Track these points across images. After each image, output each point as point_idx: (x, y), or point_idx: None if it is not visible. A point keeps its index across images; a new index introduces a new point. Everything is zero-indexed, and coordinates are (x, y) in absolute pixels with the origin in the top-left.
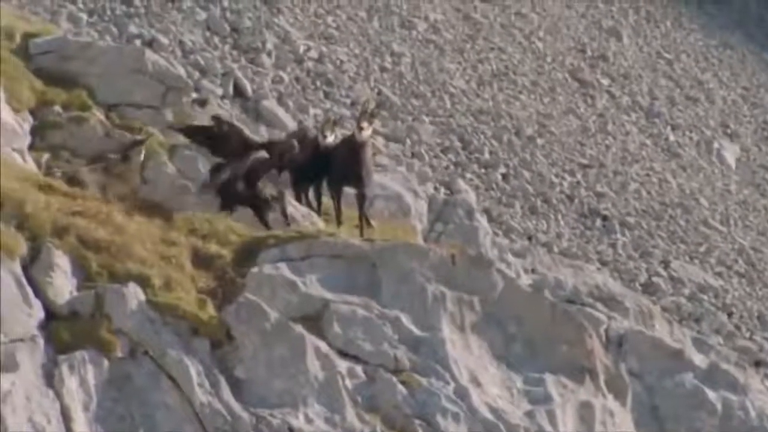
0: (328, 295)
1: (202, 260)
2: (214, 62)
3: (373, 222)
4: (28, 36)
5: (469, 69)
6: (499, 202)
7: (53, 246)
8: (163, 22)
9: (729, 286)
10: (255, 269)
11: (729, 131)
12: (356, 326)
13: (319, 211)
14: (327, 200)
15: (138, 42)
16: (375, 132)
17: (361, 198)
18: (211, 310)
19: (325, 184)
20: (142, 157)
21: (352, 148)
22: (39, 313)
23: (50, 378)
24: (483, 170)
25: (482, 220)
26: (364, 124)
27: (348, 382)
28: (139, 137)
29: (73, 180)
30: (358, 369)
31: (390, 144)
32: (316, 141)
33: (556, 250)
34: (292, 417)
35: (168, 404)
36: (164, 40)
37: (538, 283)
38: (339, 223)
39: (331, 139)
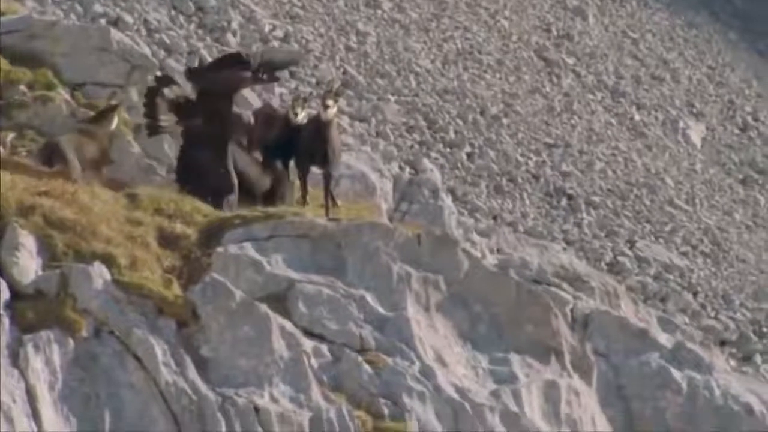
0: (294, 275)
1: (167, 240)
2: (179, 41)
3: (338, 201)
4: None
5: (434, 48)
6: (465, 181)
7: (18, 225)
8: (128, 1)
9: (694, 266)
10: (220, 249)
11: (694, 111)
12: (321, 306)
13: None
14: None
15: (103, 21)
16: (340, 111)
17: (327, 177)
18: (176, 289)
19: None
20: (114, 123)
21: (318, 127)
22: (4, 293)
23: (15, 357)
24: (448, 150)
25: (447, 200)
26: (329, 103)
27: (313, 362)
28: (113, 102)
29: (47, 149)
30: (324, 348)
31: (355, 123)
32: (287, 119)
33: (521, 229)
34: (258, 396)
35: (133, 384)
36: (129, 19)
37: (503, 263)
38: (304, 202)
39: (302, 116)
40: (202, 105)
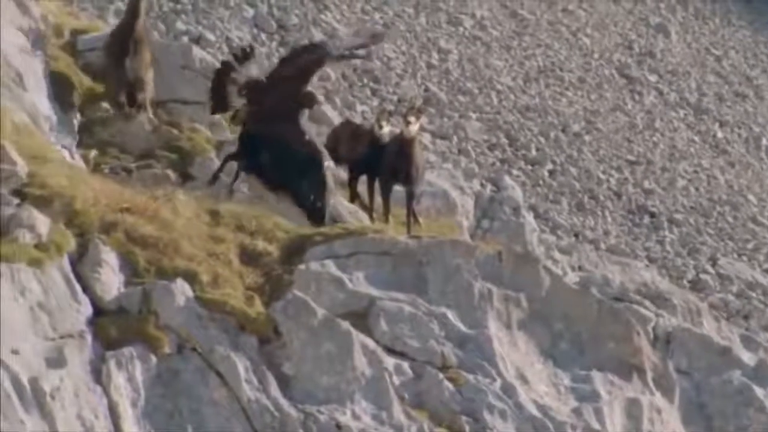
0: (375, 292)
1: (249, 257)
2: (261, 59)
3: (420, 219)
4: (76, 32)
5: (515, 66)
6: (546, 198)
7: (101, 242)
8: (210, 19)
9: None
10: (302, 266)
11: None
12: (403, 323)
13: (371, 207)
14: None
15: (185, 38)
16: (422, 128)
17: (410, 195)
18: (258, 306)
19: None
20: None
21: (400, 145)
22: (87, 309)
23: (98, 374)
24: (530, 167)
25: (529, 217)
26: (411, 119)
27: (395, 379)
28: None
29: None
30: (405, 366)
31: (436, 141)
32: (372, 134)
33: (603, 247)
34: (340, 413)
35: (215, 401)
36: (211, 37)
37: (585, 281)
38: (387, 219)
39: (387, 130)
40: (275, 87)
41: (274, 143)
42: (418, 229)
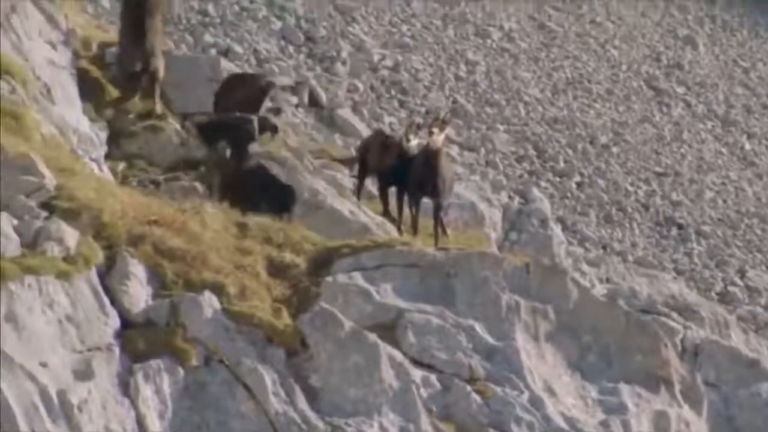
0: (403, 304)
1: (277, 269)
2: (288, 71)
3: (448, 231)
4: (104, 45)
5: (543, 77)
6: (574, 210)
7: (129, 255)
8: (239, 31)
9: None
10: (329, 278)
11: None
12: (431, 335)
13: (399, 219)
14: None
15: (213, 51)
16: (449, 140)
17: (437, 207)
18: (286, 318)
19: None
20: None
21: (427, 156)
22: (115, 322)
23: (126, 386)
24: (557, 179)
25: (557, 229)
26: (435, 130)
27: (423, 391)
28: None
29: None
30: (433, 378)
31: (464, 152)
32: (401, 146)
33: (630, 259)
34: (367, 426)
35: (243, 413)
36: (239, 49)
37: (612, 293)
38: (415, 231)
39: (415, 142)
40: None
41: None
42: (446, 240)
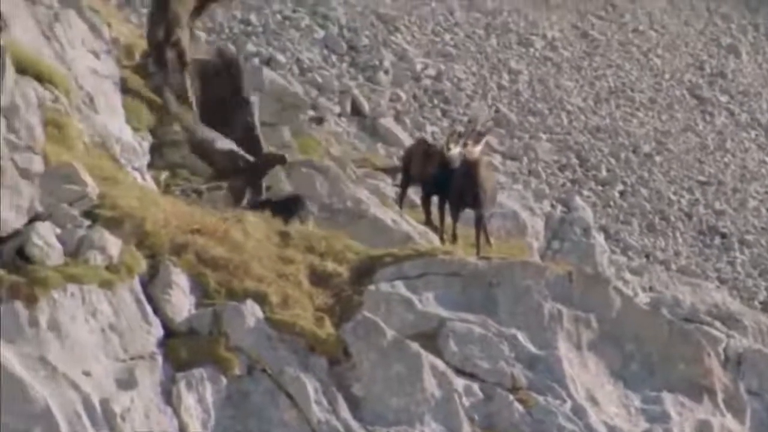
0: (445, 313)
1: (319, 278)
2: (331, 80)
3: (491, 239)
4: (147, 54)
5: (586, 86)
6: (617, 219)
7: (172, 264)
8: (281, 41)
9: None
10: (372, 287)
11: None
12: (473, 344)
13: (441, 228)
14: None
15: (256, 60)
16: (492, 149)
17: (478, 218)
18: (328, 327)
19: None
20: None
21: (467, 167)
22: (158, 331)
23: (168, 395)
24: (600, 187)
25: (599, 238)
26: (470, 142)
27: (465, 400)
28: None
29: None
30: (475, 387)
31: (507, 162)
32: (443, 155)
33: (673, 267)
34: None
35: (285, 422)
36: (282, 58)
37: (655, 302)
38: (454, 240)
39: (456, 151)
40: None
41: None
42: (489, 249)
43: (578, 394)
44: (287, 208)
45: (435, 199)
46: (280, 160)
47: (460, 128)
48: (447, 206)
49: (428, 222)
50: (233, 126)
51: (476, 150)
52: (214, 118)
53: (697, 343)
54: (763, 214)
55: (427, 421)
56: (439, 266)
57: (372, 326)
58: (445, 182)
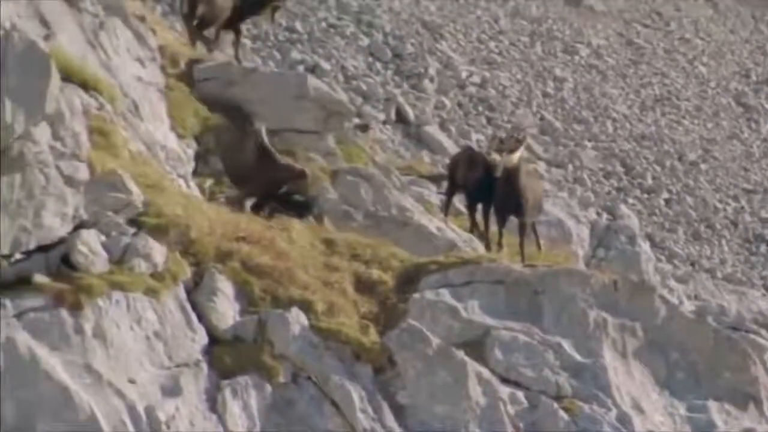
0: (490, 321)
1: (364, 285)
2: (376, 88)
3: (541, 243)
4: (192, 62)
5: (631, 94)
6: (662, 227)
7: (217, 271)
8: (326, 48)
9: None
10: (417, 295)
11: None
12: (518, 352)
13: (486, 235)
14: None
15: (301, 68)
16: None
17: (523, 225)
18: (373, 335)
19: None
20: None
21: (507, 175)
22: (202, 338)
23: (213, 402)
24: (646, 195)
25: (645, 246)
26: (506, 150)
27: (509, 408)
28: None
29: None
30: (520, 395)
31: (552, 169)
32: (486, 161)
33: (719, 276)
34: None
35: (330, 429)
36: (327, 66)
37: (701, 310)
38: (500, 247)
39: (499, 158)
40: None
41: None
42: (539, 255)
43: (623, 403)
44: (297, 211)
45: (481, 206)
46: (300, 175)
47: (502, 134)
48: (492, 213)
49: (473, 229)
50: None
51: (514, 157)
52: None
53: (742, 351)
54: None
55: (472, 429)
56: (484, 274)
57: (417, 334)
58: (488, 189)
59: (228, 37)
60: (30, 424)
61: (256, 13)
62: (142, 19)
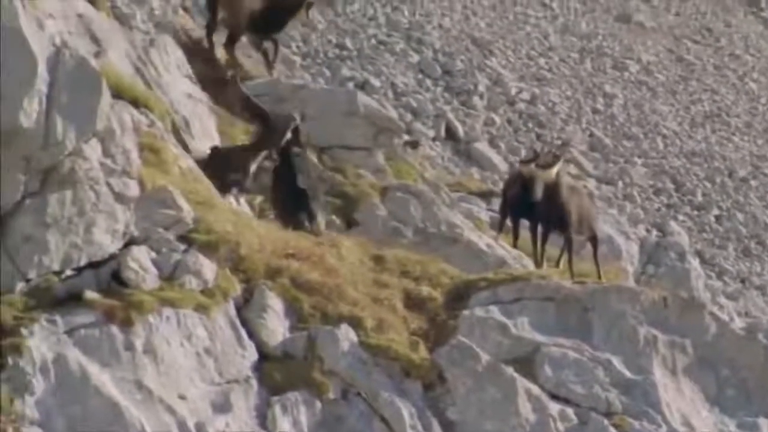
0: (540, 338)
1: (414, 302)
2: (426, 104)
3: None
4: (242, 79)
5: (681, 110)
6: (712, 244)
7: (266, 288)
8: (376, 65)
9: None
10: (467, 312)
11: None
12: (568, 369)
13: (534, 252)
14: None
15: (350, 84)
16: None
17: (568, 241)
18: (423, 351)
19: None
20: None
21: (548, 189)
22: (252, 355)
23: (263, 419)
24: (696, 212)
25: (695, 263)
26: (544, 165)
27: (559, 425)
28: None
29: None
30: (570, 412)
31: (602, 186)
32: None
33: None
34: None
35: None
36: (376, 83)
37: (751, 327)
38: (539, 264)
39: (529, 170)
40: None
41: None
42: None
43: (673, 420)
44: (295, 206)
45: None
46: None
47: (543, 147)
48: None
49: (515, 245)
50: None
51: (552, 171)
52: None
53: None
54: None
55: None
56: (534, 291)
57: (467, 351)
58: (528, 205)
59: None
60: None
61: (288, 16)
62: (192, 36)
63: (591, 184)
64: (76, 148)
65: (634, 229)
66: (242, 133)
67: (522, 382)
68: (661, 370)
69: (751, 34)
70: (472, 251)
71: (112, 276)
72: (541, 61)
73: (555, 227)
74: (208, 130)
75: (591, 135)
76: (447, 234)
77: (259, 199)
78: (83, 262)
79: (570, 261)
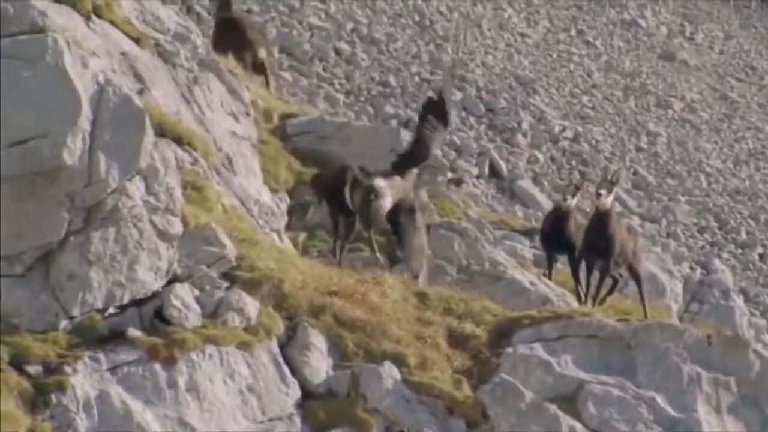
0: (583, 375)
1: (457, 340)
2: (469, 142)
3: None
4: (285, 116)
5: (725, 148)
6: (756, 282)
7: (309, 325)
8: (419, 102)
9: None
10: (510, 349)
11: None
12: (611, 406)
13: (576, 289)
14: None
15: (394, 122)
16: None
17: (603, 272)
18: (466, 389)
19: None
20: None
21: (597, 218)
22: (296, 393)
23: None
24: (740, 250)
25: (739, 300)
26: (603, 192)
27: None
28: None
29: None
30: None
31: (645, 224)
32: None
33: None
34: None
35: None
36: None
37: None
38: (582, 301)
39: (573, 203)
40: None
41: None
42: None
43: None
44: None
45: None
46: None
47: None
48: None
49: (550, 277)
50: None
51: (609, 200)
52: None
53: None
54: None
55: None
56: (577, 328)
57: (510, 388)
58: (560, 238)
59: (321, 91)
60: None
61: None
62: (236, 74)
63: (635, 222)
64: (120, 186)
65: (678, 267)
66: (285, 170)
67: (566, 420)
68: (705, 408)
69: None
70: (515, 289)
71: (155, 313)
72: (585, 99)
73: (598, 255)
74: (251, 168)
75: (634, 173)
76: (490, 271)
77: (302, 236)
78: (126, 299)
79: (598, 287)
